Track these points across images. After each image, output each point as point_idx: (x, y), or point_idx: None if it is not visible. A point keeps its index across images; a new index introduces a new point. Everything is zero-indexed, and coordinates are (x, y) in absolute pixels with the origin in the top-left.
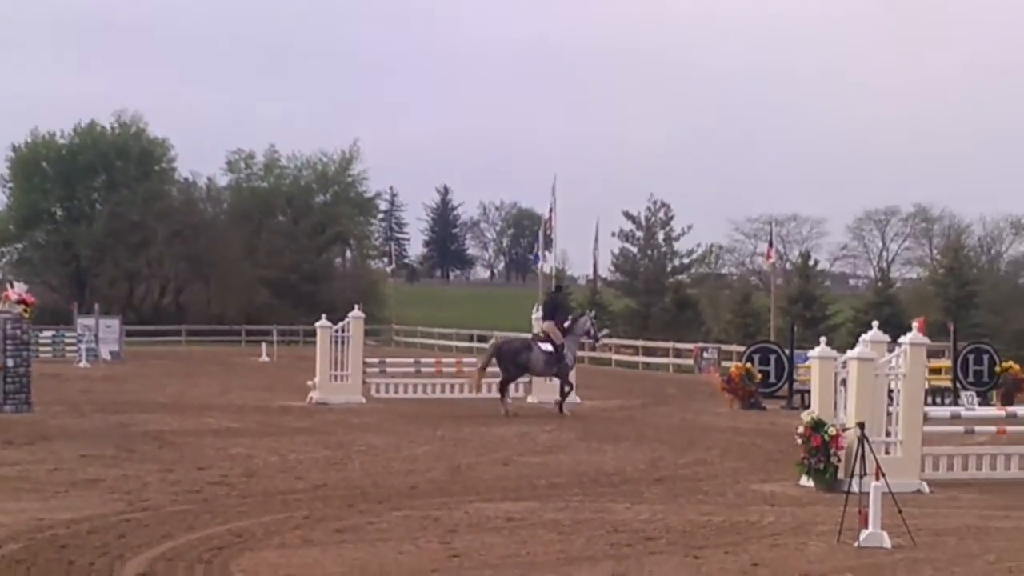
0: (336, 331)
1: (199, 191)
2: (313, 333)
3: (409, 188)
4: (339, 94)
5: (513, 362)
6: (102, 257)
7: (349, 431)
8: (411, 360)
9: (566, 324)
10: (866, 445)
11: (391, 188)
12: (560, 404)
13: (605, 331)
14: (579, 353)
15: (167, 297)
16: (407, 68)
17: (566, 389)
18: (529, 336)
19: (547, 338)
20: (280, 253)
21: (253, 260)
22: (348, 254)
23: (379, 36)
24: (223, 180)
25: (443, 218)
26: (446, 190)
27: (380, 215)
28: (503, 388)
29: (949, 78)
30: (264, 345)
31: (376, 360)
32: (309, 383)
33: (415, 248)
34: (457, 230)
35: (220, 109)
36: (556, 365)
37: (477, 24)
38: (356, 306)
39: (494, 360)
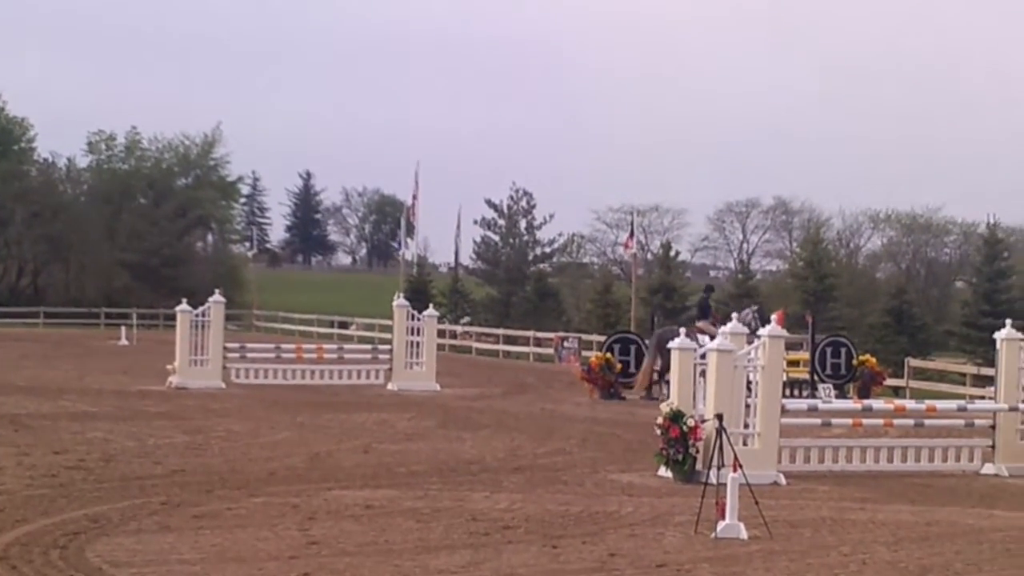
0: (196, 315)
1: (59, 172)
2: (173, 317)
3: (271, 173)
4: (202, 77)
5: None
6: None
7: (208, 416)
8: (272, 346)
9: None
10: (724, 436)
11: (253, 172)
12: None
13: (466, 319)
14: (439, 341)
15: (25, 279)
16: (271, 52)
17: None
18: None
19: (703, 332)
20: (141, 236)
21: (113, 243)
22: (209, 238)
23: (245, 19)
24: (83, 161)
25: (305, 203)
26: (309, 175)
27: (242, 199)
28: (653, 375)
29: (809, 71)
30: (123, 328)
31: (236, 345)
32: (168, 367)
33: (277, 233)
34: (319, 215)
35: (81, 90)
36: None
37: (342, 8)
38: (217, 290)
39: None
